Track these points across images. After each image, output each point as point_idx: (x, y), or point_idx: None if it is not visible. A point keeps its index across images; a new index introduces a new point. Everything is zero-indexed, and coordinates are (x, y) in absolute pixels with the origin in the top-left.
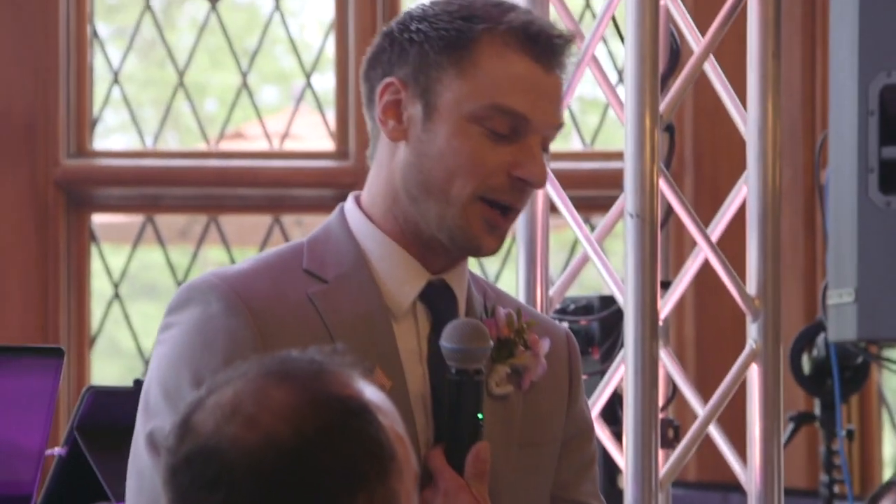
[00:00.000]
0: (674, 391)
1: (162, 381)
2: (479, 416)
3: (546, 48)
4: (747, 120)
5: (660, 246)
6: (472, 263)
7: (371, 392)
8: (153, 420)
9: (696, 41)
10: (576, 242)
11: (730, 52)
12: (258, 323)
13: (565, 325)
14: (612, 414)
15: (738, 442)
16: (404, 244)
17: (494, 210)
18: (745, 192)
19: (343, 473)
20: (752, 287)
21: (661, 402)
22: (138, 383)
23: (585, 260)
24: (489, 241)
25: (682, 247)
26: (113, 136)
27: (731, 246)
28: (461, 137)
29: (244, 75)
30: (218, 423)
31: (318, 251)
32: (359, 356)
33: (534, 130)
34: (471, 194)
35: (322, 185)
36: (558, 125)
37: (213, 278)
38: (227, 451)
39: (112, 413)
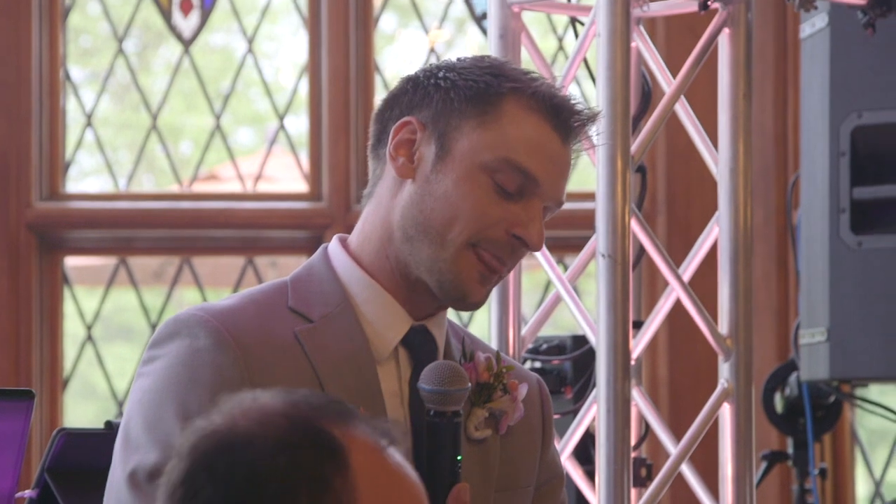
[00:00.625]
0: (646, 430)
1: (144, 413)
2: (458, 457)
3: (567, 120)
4: (719, 160)
5: (632, 286)
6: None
7: (386, 462)
8: (134, 455)
9: (667, 82)
10: (548, 283)
11: (701, 92)
12: (246, 360)
13: (537, 367)
14: (584, 453)
15: (711, 481)
16: (390, 289)
17: (485, 265)
18: (717, 232)
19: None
20: (724, 327)
21: (633, 441)
22: (110, 425)
23: (558, 300)
24: (478, 290)
25: (654, 287)
26: (87, 178)
27: (703, 286)
28: (470, 184)
29: (218, 117)
30: (215, 412)
31: (303, 291)
32: (392, 423)
33: (540, 195)
34: (465, 241)
35: (295, 227)
36: (560, 200)
37: (202, 312)
38: (196, 430)
39: (83, 455)
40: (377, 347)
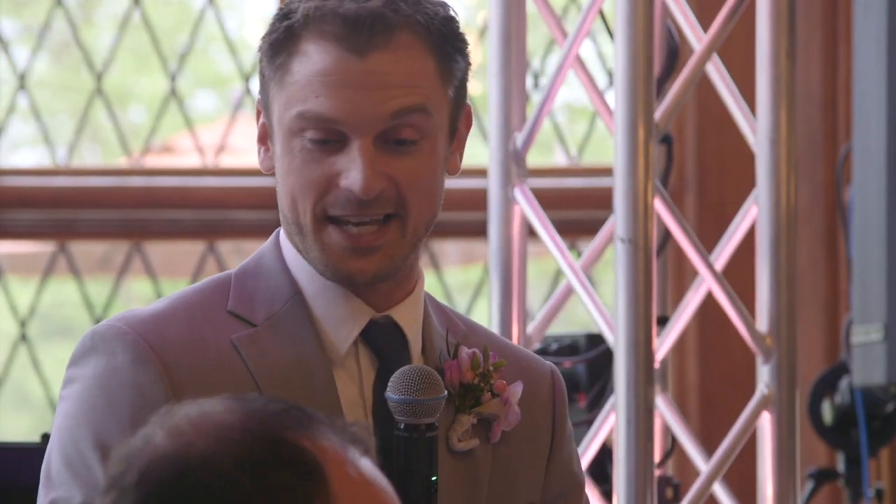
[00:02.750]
0: (672, 444)
1: (62, 446)
2: (433, 478)
3: (342, 29)
4: (757, 129)
5: (656, 276)
6: (439, 295)
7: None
8: (54, 492)
9: (697, 38)
10: (559, 272)
11: (737, 50)
12: (170, 375)
13: None
14: (600, 471)
15: (748, 503)
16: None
17: (351, 232)
18: (754, 213)
19: None
20: (763, 323)
21: (657, 457)
22: (47, 438)
23: (570, 292)
24: (357, 264)
25: (681, 277)
26: (20, 150)
27: (738, 276)
28: (289, 155)
29: (173, 79)
30: (153, 431)
31: (247, 288)
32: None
33: (355, 131)
34: (312, 217)
35: (263, 207)
36: (396, 112)
37: (120, 324)
38: (137, 455)
39: (16, 473)
40: (332, 348)
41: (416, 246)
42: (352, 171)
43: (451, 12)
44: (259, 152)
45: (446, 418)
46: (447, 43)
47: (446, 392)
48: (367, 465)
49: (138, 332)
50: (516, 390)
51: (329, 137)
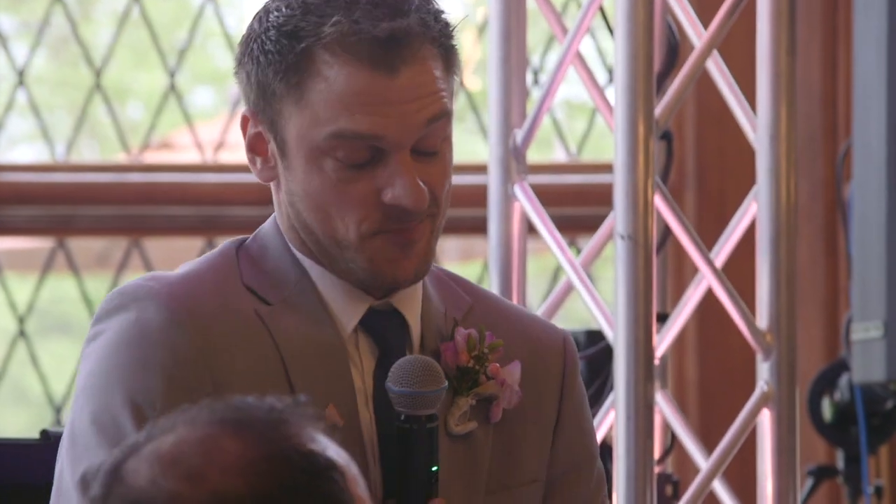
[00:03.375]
0: (672, 441)
1: (90, 405)
2: (434, 468)
3: (375, 50)
4: (757, 126)
5: (656, 272)
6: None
7: (334, 450)
8: (83, 459)
9: (697, 35)
10: (558, 268)
11: (737, 47)
12: (205, 338)
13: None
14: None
15: (748, 500)
16: (334, 270)
17: (395, 234)
18: (754, 209)
19: None
20: (763, 320)
21: (657, 454)
22: (46, 435)
23: (569, 289)
24: (403, 268)
25: (681, 273)
26: (19, 146)
27: (738, 272)
28: (318, 174)
29: (172, 75)
30: (154, 475)
31: (256, 268)
32: (318, 408)
33: (394, 145)
34: (357, 234)
35: (263, 203)
36: (428, 120)
37: (152, 283)
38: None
39: (14, 470)
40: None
41: (437, 240)
42: (396, 186)
43: (439, 8)
44: (254, 163)
45: (444, 402)
46: (451, 41)
47: (447, 383)
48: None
49: (171, 292)
50: (513, 370)
51: (363, 157)
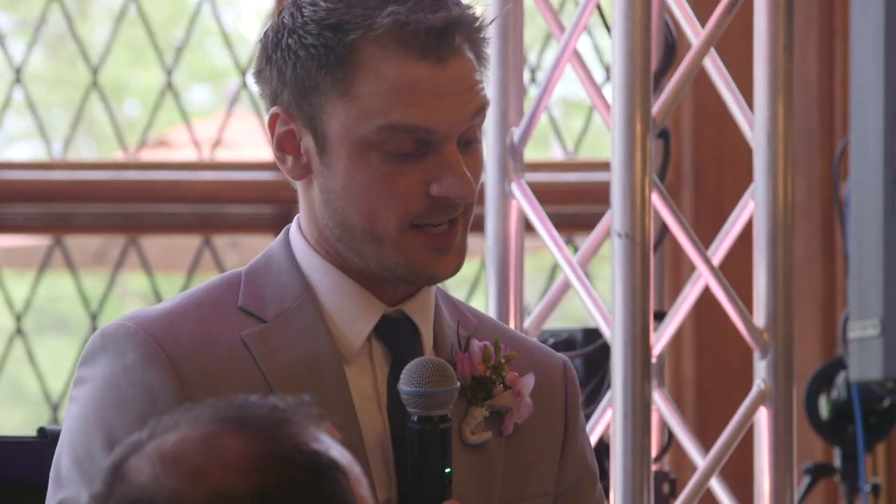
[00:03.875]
0: (669, 439)
1: (73, 446)
2: (447, 469)
3: (428, 40)
4: (754, 124)
5: (653, 271)
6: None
7: (337, 450)
8: (63, 491)
9: (694, 33)
10: (555, 266)
11: (734, 45)
12: (180, 374)
13: None
14: (597, 465)
15: (745, 498)
16: (353, 274)
17: (434, 232)
18: (751, 207)
19: None
20: (760, 318)
21: (654, 452)
22: (43, 432)
23: (566, 287)
24: (441, 264)
25: (678, 272)
26: (16, 144)
27: (735, 271)
28: (362, 168)
29: (169, 73)
30: (156, 473)
31: (258, 285)
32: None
33: (444, 138)
34: (397, 228)
35: (260, 201)
36: (474, 113)
37: (130, 323)
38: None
39: (11, 466)
40: (345, 344)
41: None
42: (446, 178)
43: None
44: (284, 161)
45: (459, 411)
46: (482, 38)
47: (458, 383)
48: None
49: (148, 330)
50: (528, 382)
51: (412, 149)
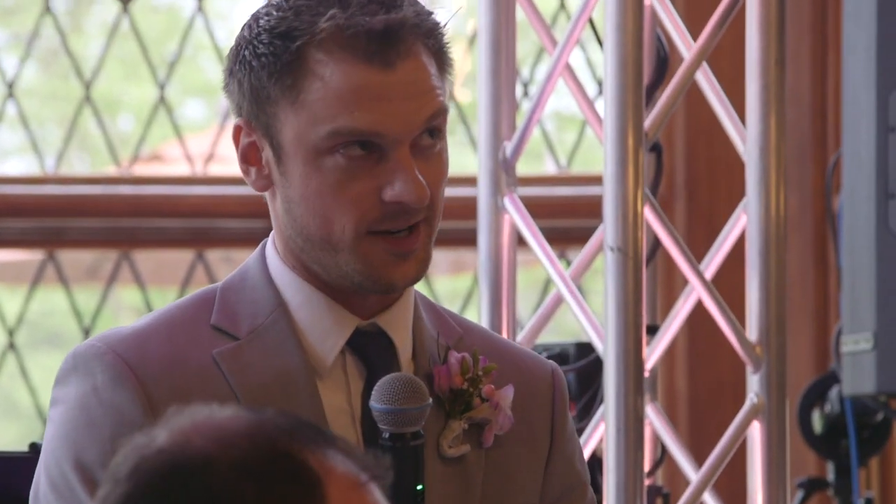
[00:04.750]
0: (662, 453)
1: (48, 467)
2: (419, 487)
3: (371, 44)
4: (747, 138)
5: (645, 285)
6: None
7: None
8: None
9: (686, 46)
10: (548, 281)
11: (726, 58)
12: (149, 394)
13: None
14: (590, 479)
15: None
16: (324, 288)
17: (392, 237)
18: (744, 221)
19: None
20: (752, 332)
21: (647, 467)
22: (35, 447)
23: (559, 301)
24: (401, 271)
25: (671, 286)
26: (9, 159)
27: (728, 284)
28: (316, 175)
29: (162, 88)
30: (157, 430)
31: (231, 301)
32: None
33: (394, 142)
34: (353, 235)
35: (252, 216)
36: (427, 118)
37: (99, 343)
38: (135, 449)
39: (3, 482)
40: (318, 359)
41: (433, 244)
42: (397, 183)
43: (428, 9)
44: (248, 173)
45: (437, 424)
46: (442, 40)
47: (431, 400)
48: (374, 493)
49: (116, 351)
50: (507, 394)
51: (363, 153)
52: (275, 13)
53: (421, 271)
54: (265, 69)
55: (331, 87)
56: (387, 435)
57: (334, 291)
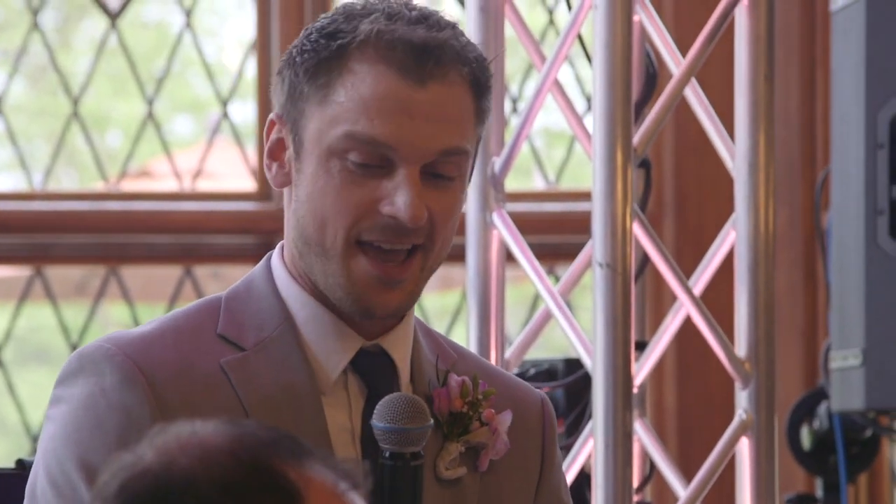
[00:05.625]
0: (651, 470)
1: (48, 467)
2: None
3: (409, 56)
4: (735, 154)
5: (634, 300)
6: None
7: None
8: None
9: (675, 63)
10: (537, 296)
11: (715, 75)
12: (158, 397)
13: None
14: (579, 496)
15: None
16: (328, 304)
17: (382, 261)
18: (733, 237)
19: None
20: (741, 348)
21: (636, 483)
22: (22, 464)
23: (548, 317)
24: (384, 299)
25: (660, 302)
26: None
27: (717, 300)
28: (325, 175)
29: (150, 104)
30: (143, 448)
31: (237, 312)
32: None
33: (404, 159)
34: (344, 241)
35: (241, 231)
36: (445, 150)
37: (108, 345)
38: (123, 468)
39: None
40: (322, 376)
41: (428, 280)
42: (398, 198)
43: (483, 54)
44: (270, 168)
45: (434, 446)
46: (487, 83)
47: (432, 421)
48: (355, 502)
49: (126, 353)
50: (505, 419)
51: (373, 162)
52: (330, 16)
53: (405, 303)
54: (304, 65)
55: (359, 90)
56: (387, 454)
57: (339, 309)
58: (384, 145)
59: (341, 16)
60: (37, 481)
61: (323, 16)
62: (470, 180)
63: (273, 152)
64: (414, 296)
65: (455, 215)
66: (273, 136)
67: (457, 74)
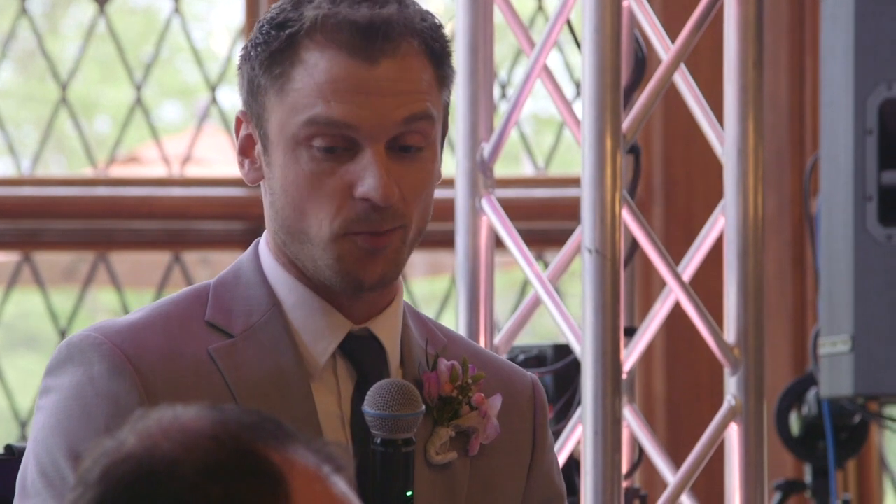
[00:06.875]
0: (640, 455)
1: (38, 456)
2: (409, 493)
3: (355, 37)
4: (724, 140)
5: (623, 286)
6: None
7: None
8: (29, 501)
9: (664, 48)
10: (526, 283)
11: (705, 60)
12: (146, 385)
13: None
14: (568, 482)
15: None
16: (315, 289)
17: (364, 238)
18: (722, 223)
19: None
20: (730, 334)
21: (625, 469)
22: (11, 450)
23: (537, 303)
24: (369, 269)
25: (649, 288)
26: None
27: (706, 286)
28: (294, 165)
29: (139, 90)
30: (125, 434)
31: (225, 298)
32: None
33: (368, 137)
34: (329, 233)
35: (230, 217)
36: (406, 118)
37: (96, 334)
38: (105, 454)
39: None
40: (310, 361)
41: (411, 254)
42: (367, 178)
43: (437, 20)
44: (242, 164)
45: (424, 430)
46: (443, 49)
47: (424, 407)
48: (339, 485)
49: (114, 342)
50: (495, 403)
51: (338, 145)
52: (279, 6)
53: (390, 272)
54: (258, 58)
55: (313, 76)
56: (378, 440)
57: (327, 293)
58: (345, 125)
59: (289, 4)
60: (27, 471)
61: (273, 6)
62: (442, 148)
63: (243, 149)
64: (397, 264)
65: (429, 186)
66: (241, 132)
67: (409, 47)
